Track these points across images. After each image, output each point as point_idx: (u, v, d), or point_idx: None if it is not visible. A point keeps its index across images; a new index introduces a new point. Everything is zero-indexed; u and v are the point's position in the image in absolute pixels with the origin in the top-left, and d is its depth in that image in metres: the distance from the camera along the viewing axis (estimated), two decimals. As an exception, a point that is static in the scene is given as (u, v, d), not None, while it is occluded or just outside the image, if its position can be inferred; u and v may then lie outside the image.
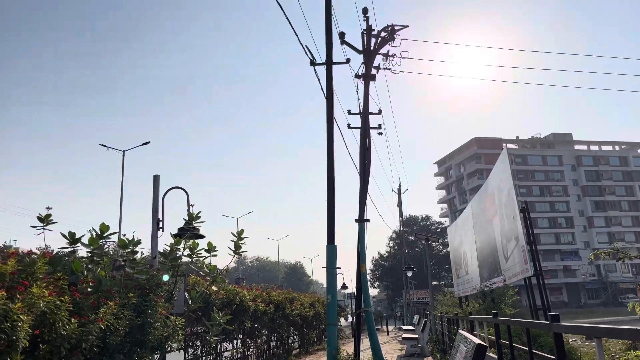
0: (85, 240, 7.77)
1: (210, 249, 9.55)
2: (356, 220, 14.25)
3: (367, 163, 15.02)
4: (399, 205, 45.98)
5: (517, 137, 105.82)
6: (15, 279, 5.26)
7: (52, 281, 5.92)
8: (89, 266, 7.45)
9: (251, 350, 13.98)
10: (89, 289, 6.67)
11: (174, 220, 9.89)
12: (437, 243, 71.43)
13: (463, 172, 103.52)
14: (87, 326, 5.92)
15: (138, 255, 8.67)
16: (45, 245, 6.97)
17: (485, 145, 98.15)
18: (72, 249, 7.73)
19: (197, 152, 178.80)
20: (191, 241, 9.37)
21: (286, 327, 17.28)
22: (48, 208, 7.00)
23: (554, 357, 4.24)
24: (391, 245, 76.58)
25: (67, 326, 5.56)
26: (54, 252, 7.11)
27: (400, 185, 47.08)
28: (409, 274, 36.10)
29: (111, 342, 6.53)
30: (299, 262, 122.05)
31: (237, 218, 68.25)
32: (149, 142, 39.58)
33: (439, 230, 77.53)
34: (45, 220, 6.88)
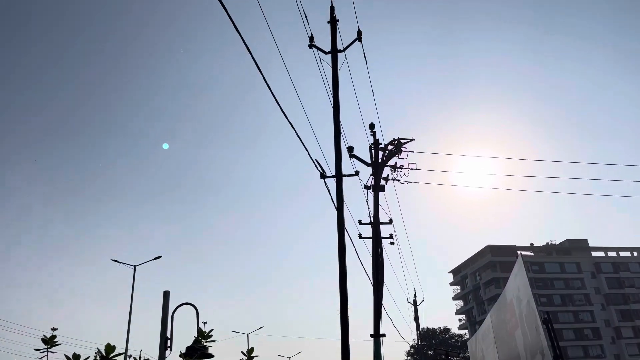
0: (89, 362, 7.47)
1: (217, 372, 9.09)
2: (371, 336, 13.67)
3: (380, 274, 14.76)
4: (416, 317, 44.27)
5: (532, 244, 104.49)
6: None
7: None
8: (91, 391, 7.07)
9: None
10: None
11: (183, 337, 9.55)
12: (457, 358, 67.60)
13: (479, 280, 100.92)
14: None
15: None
16: (47, 368, 6.68)
17: (500, 253, 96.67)
18: (76, 371, 7.41)
19: (207, 269, 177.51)
20: (200, 360, 8.96)
21: None
22: (53, 329, 6.81)
23: None
24: (409, 360, 72.55)
25: None
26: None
27: (415, 296, 45.66)
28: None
29: None
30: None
31: (248, 334, 65.89)
32: (160, 256, 39.54)
33: (458, 343, 73.79)
34: (50, 342, 6.66)
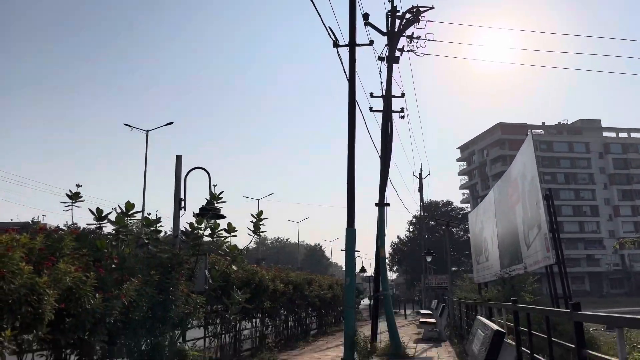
0: (111, 217, 7.96)
1: (230, 229, 9.67)
2: (376, 204, 14.23)
3: (388, 147, 14.93)
4: (420, 189, 45.71)
5: (543, 123, 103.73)
6: (43, 255, 5.41)
7: (78, 257, 6.07)
8: (114, 243, 7.62)
9: (270, 329, 14.20)
10: (113, 266, 6.83)
11: (195, 201, 10.04)
12: (457, 229, 70.98)
13: (486, 157, 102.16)
14: (111, 301, 6.08)
15: (161, 234, 8.84)
16: (73, 222, 7.15)
17: (510, 131, 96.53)
18: (98, 225, 7.92)
19: (219, 133, 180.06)
20: (212, 221, 9.49)
21: (304, 308, 17.47)
22: (78, 185, 7.16)
23: (573, 346, 4.21)
24: (411, 230, 76.34)
25: (92, 301, 5.71)
26: (81, 229, 7.28)
27: (422, 170, 46.69)
28: (429, 259, 36.04)
29: (134, 317, 6.71)
30: (319, 244, 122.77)
31: (258, 200, 68.80)
32: (172, 122, 39.92)
33: (459, 216, 76.90)
34: (75, 197, 7.04)
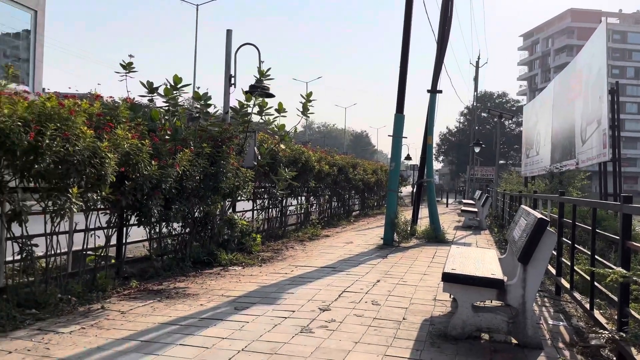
0: (161, 90, 8.11)
1: (280, 109, 9.71)
2: (428, 91, 13.79)
3: (446, 30, 14.06)
4: (475, 78, 43.75)
5: (620, 10, 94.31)
6: (101, 121, 5.64)
7: (133, 126, 6.32)
8: (166, 117, 7.85)
9: (314, 207, 14.80)
10: (167, 137, 7.10)
11: (245, 79, 10.04)
12: (510, 121, 68.75)
13: (551, 47, 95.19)
14: (166, 169, 6.40)
15: (211, 110, 9.00)
16: (127, 91, 7.33)
17: (581, 18, 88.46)
18: (150, 98, 8.12)
19: (271, 9, 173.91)
20: (261, 99, 9.53)
21: (348, 190, 17.95)
22: (130, 56, 7.22)
23: (617, 237, 4.18)
24: (461, 120, 74.52)
25: (148, 167, 6.04)
26: (134, 100, 7.47)
27: (479, 58, 44.38)
28: (477, 149, 35.51)
29: (187, 186, 7.10)
30: (365, 131, 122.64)
31: (307, 82, 68.35)
32: (221, -3, 38.67)
33: (514, 108, 73.96)
34: (128, 67, 7.14)
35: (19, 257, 5.05)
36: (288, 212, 12.67)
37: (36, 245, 5.12)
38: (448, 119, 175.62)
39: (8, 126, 4.32)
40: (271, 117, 9.78)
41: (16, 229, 4.97)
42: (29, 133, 4.50)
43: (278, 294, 6.07)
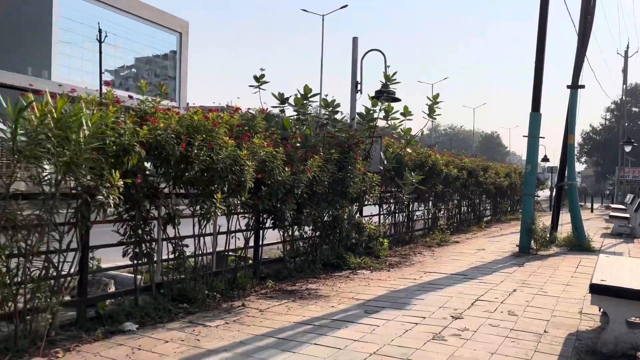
0: (291, 100, 8.53)
1: (406, 112, 9.64)
2: (568, 87, 12.69)
3: (589, 19, 12.85)
4: (624, 70, 39.33)
5: None
6: (240, 131, 6.09)
7: (268, 135, 6.73)
8: (297, 124, 8.23)
9: (442, 212, 14.40)
10: (298, 144, 7.43)
11: (370, 85, 10.13)
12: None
13: None
14: (298, 175, 6.70)
15: (338, 116, 9.24)
16: (263, 102, 7.82)
17: None
18: (281, 108, 8.58)
19: (391, 15, 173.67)
20: (387, 104, 9.55)
21: (478, 195, 17.19)
22: (262, 69, 7.72)
23: None
24: (607, 117, 67.36)
25: (282, 173, 6.37)
26: (267, 110, 7.94)
27: (628, 47, 39.78)
28: (627, 148, 31.88)
29: (317, 190, 7.36)
30: (496, 132, 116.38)
31: (432, 84, 66.88)
32: (346, 5, 39.49)
33: (673, 101, 65.05)
34: (260, 80, 7.64)
35: (172, 256, 5.63)
36: (415, 217, 12.49)
37: (186, 246, 5.67)
38: (590, 116, 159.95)
39: (163, 138, 4.85)
40: (397, 121, 9.76)
41: (170, 231, 5.55)
42: (180, 144, 5.01)
43: (407, 300, 6.01)
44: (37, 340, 3.94)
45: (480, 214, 18.03)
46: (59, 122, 3.74)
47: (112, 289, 5.80)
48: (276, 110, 8.68)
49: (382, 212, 10.85)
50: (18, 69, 33.31)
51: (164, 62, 47.19)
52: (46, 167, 4.02)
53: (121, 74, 43.90)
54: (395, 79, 9.78)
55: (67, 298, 4.55)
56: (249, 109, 7.25)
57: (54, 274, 4.24)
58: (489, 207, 19.64)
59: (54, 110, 3.72)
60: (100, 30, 29.00)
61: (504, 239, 13.18)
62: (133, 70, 45.15)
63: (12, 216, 3.78)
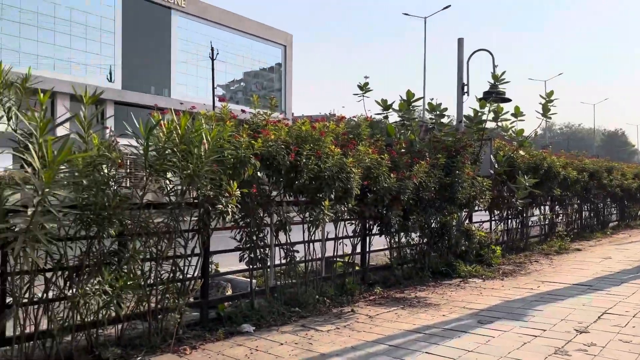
0: (395, 106, 8.50)
1: (517, 113, 9.17)
2: None
3: None
4: None
5: None
6: (345, 139, 6.20)
7: (373, 142, 6.78)
8: (401, 130, 8.18)
9: (560, 218, 13.44)
10: (402, 150, 7.38)
11: (477, 86, 9.82)
12: None
13: None
14: (404, 181, 6.66)
15: (444, 120, 9.03)
16: (367, 110, 7.90)
17: None
18: (385, 115, 8.58)
19: (499, 13, 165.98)
20: (496, 105, 9.16)
21: (602, 198, 15.79)
22: (366, 77, 7.80)
23: None
24: None
25: (387, 180, 6.38)
26: (371, 117, 8.00)
27: None
28: None
29: (424, 196, 7.24)
30: (620, 129, 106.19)
31: (545, 81, 62.69)
32: (449, 5, 38.50)
33: None
34: (364, 88, 7.73)
35: (284, 261, 5.86)
36: (530, 223, 11.79)
37: (297, 252, 5.87)
38: None
39: (274, 149, 5.09)
40: (508, 123, 9.31)
41: (281, 237, 5.79)
42: (290, 154, 5.21)
43: (524, 310, 5.69)
44: (168, 338, 4.31)
45: (604, 219, 16.55)
46: (183, 138, 4.08)
47: (229, 292, 6.17)
48: (380, 117, 8.71)
49: (493, 218, 10.38)
50: (143, 89, 36.77)
51: (270, 75, 49.34)
52: (172, 179, 4.40)
53: (231, 88, 46.63)
54: (504, 79, 9.36)
55: (191, 300, 4.93)
56: (353, 116, 7.37)
57: (180, 277, 4.62)
58: (614, 212, 17.96)
59: (178, 127, 4.07)
60: (212, 49, 31.07)
61: (634, 246, 11.97)
62: (242, 84, 47.75)
63: (145, 224, 4.18)
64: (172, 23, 39.65)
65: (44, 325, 3.81)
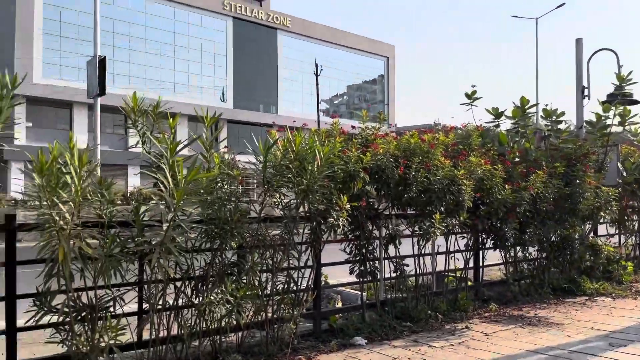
0: (507, 113, 8.12)
1: (648, 114, 8.34)
2: None
3: None
4: None
5: None
6: (455, 150, 6.06)
7: (484, 152, 6.54)
8: (515, 138, 7.80)
9: None
10: (516, 159, 7.03)
11: (598, 88, 9.07)
12: None
13: None
14: (519, 193, 6.34)
15: (561, 126, 8.46)
16: (474, 119, 7.64)
17: None
18: (496, 123, 8.23)
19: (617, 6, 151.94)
20: (622, 108, 8.42)
21: None
22: (473, 85, 7.56)
23: None
24: None
25: (502, 191, 6.11)
26: (481, 126, 7.72)
27: None
28: None
29: (541, 208, 6.82)
30: None
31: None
32: (563, 3, 36.01)
33: None
34: (472, 96, 7.49)
35: (393, 274, 5.83)
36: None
37: (407, 265, 5.81)
38: None
39: (383, 163, 5.11)
40: (637, 127, 8.50)
41: (390, 250, 5.76)
42: (398, 167, 5.20)
43: (665, 335, 5.12)
44: (284, 347, 4.47)
45: None
46: (297, 155, 4.26)
47: (339, 304, 6.26)
48: (490, 125, 8.37)
49: (623, 231, 9.47)
50: (252, 107, 38.79)
51: (372, 87, 49.56)
52: (287, 194, 4.59)
53: (334, 102, 47.50)
54: (631, 79, 8.57)
55: (304, 310, 5.07)
56: (463, 125, 7.17)
57: (294, 288, 4.79)
58: None
59: (293, 145, 4.25)
60: (316, 65, 31.95)
61: None
62: (345, 97, 48.44)
63: (263, 237, 4.40)
64: (279, 42, 41.46)
65: (174, 330, 4.14)
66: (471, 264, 6.72)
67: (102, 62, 13.92)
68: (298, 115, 37.73)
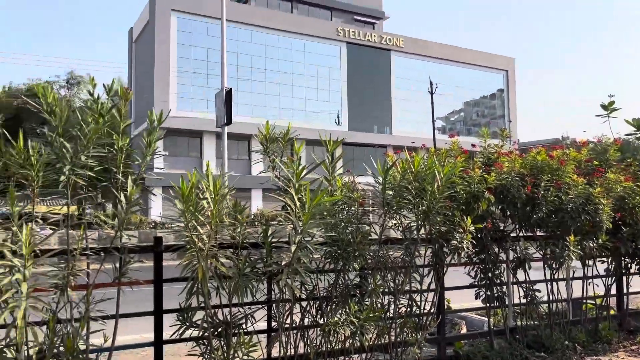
0: (650, 123, 7.32)
1: None
2: None
3: None
4: None
5: None
6: (589, 167, 5.59)
7: (623, 167, 5.96)
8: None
9: None
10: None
11: None
12: None
13: None
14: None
15: None
16: (616, 133, 7.01)
17: None
18: (638, 135, 7.46)
19: None
20: None
21: None
22: (611, 95, 6.95)
23: None
24: None
25: (647, 211, 5.50)
26: (620, 140, 7.06)
27: None
28: None
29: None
30: None
31: None
32: None
33: None
34: (609, 107, 6.88)
35: (523, 300, 5.47)
36: None
37: (538, 291, 5.43)
38: None
39: (508, 182, 4.88)
40: None
41: (519, 275, 5.43)
42: (525, 186, 4.93)
43: None
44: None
45: None
46: (416, 176, 4.23)
47: (464, 329, 6.01)
48: (631, 138, 7.60)
49: None
50: (366, 129, 39.20)
51: (491, 102, 47.55)
52: (407, 215, 4.56)
53: (450, 119, 46.28)
54: None
55: (427, 335, 4.95)
56: (597, 138, 6.61)
57: (417, 311, 4.70)
58: None
59: (412, 165, 4.23)
60: (431, 83, 31.50)
61: None
62: (461, 114, 47.01)
63: (385, 259, 4.41)
64: (392, 63, 41.61)
65: (300, 349, 4.27)
66: (613, 291, 6.10)
67: (229, 93, 15.06)
68: (412, 134, 37.35)
